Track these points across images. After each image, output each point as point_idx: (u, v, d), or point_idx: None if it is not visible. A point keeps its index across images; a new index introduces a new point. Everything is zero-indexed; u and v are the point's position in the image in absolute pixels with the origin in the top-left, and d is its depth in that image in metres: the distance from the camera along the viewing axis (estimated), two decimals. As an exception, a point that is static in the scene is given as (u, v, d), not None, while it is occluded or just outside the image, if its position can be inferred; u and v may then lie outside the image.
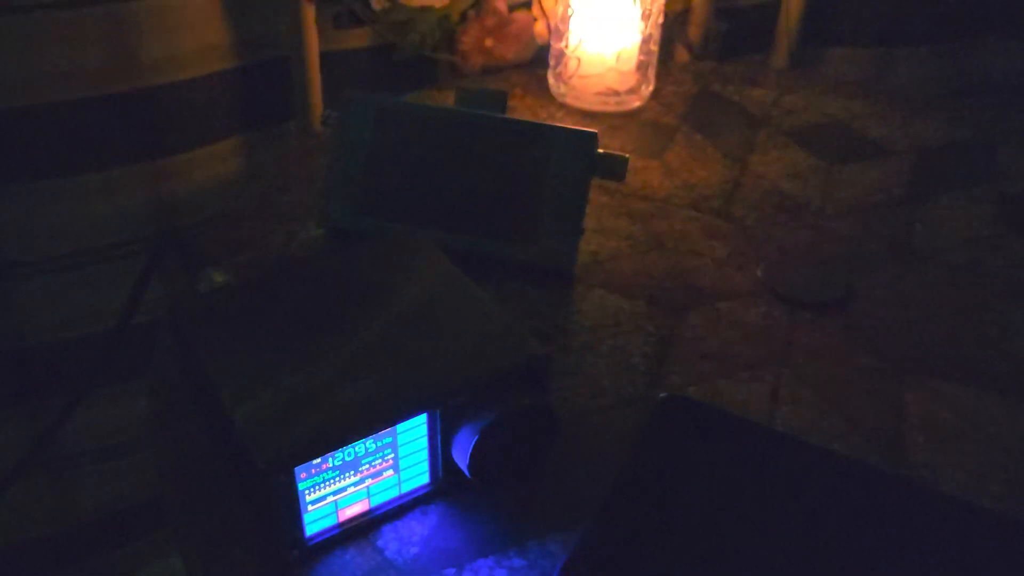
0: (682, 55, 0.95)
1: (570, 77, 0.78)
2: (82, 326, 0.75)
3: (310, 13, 0.75)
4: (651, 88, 0.80)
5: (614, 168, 0.57)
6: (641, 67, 0.78)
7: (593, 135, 0.57)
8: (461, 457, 0.40)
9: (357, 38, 0.80)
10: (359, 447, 0.38)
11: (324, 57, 0.78)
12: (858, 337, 0.53)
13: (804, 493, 0.42)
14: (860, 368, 0.51)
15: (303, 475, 0.37)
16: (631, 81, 0.79)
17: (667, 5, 0.89)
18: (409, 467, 0.40)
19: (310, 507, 0.38)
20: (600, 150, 0.57)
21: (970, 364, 0.52)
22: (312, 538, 0.39)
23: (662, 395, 0.45)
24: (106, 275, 0.75)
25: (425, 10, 0.78)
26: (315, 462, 0.37)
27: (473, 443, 0.39)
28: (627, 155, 0.57)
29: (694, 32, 0.94)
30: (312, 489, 0.38)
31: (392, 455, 0.39)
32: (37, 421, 0.77)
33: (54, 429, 0.70)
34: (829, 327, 0.54)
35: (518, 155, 0.57)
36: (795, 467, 0.43)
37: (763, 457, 0.43)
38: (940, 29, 1.05)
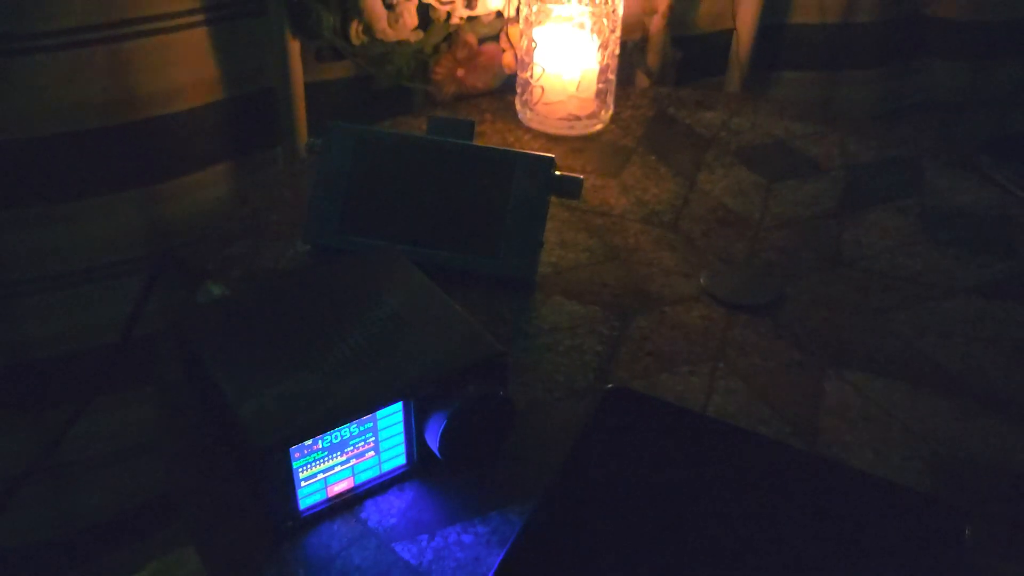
0: (642, 80, 1.03)
1: (535, 104, 0.85)
2: (84, 339, 0.81)
3: (295, 48, 0.81)
4: (610, 113, 0.87)
5: (569, 188, 0.64)
6: (600, 94, 0.85)
7: (551, 159, 0.63)
8: (432, 440, 0.46)
9: (338, 70, 0.86)
10: (345, 431, 0.44)
11: (308, 88, 0.84)
12: (786, 335, 0.60)
13: (731, 470, 0.48)
14: (786, 362, 0.58)
15: (297, 455, 0.43)
16: (591, 107, 0.86)
17: (625, 34, 0.96)
18: (388, 449, 0.47)
19: (303, 483, 0.44)
20: (557, 172, 0.64)
21: (883, 358, 0.59)
22: (305, 511, 0.45)
23: (607, 386, 0.51)
24: (107, 292, 0.81)
25: (401, 44, 0.85)
26: (307, 443, 0.43)
27: (442, 428, 0.45)
28: (581, 176, 0.64)
29: (652, 59, 1.02)
30: (304, 467, 0.44)
31: (373, 438, 0.46)
32: (42, 429, 0.83)
33: (60, 437, 0.76)
34: (761, 327, 0.61)
35: (484, 178, 0.63)
36: (723, 448, 0.49)
37: (695, 439, 0.50)
38: (885, 52, 1.13)
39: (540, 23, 0.83)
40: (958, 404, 0.55)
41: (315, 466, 0.44)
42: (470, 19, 0.88)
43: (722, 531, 0.44)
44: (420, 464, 0.48)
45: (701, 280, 0.65)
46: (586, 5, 0.84)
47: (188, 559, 0.95)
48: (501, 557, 0.42)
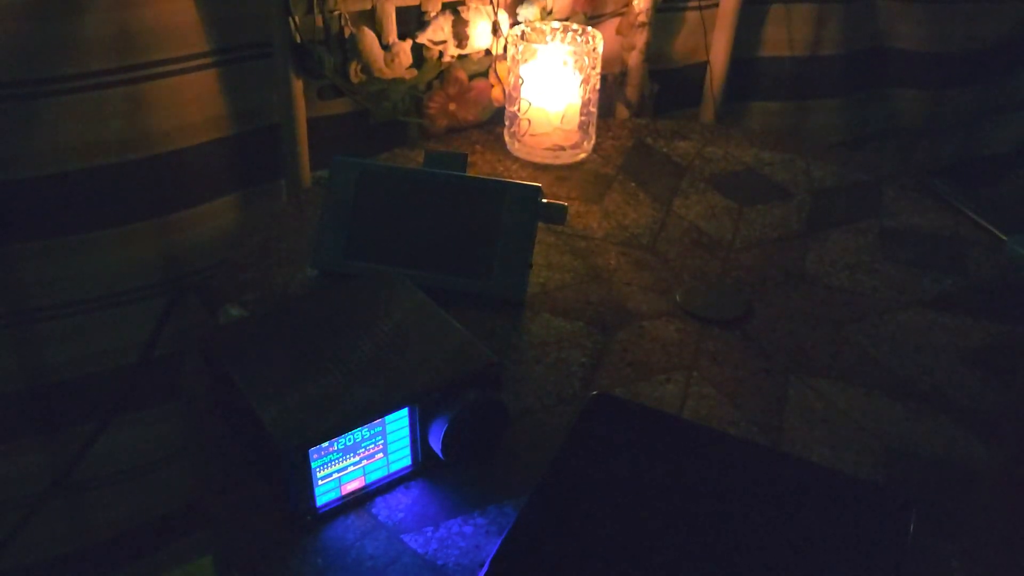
0: (622, 112, 1.09)
1: (522, 135, 0.92)
2: (103, 362, 0.86)
3: (298, 86, 0.87)
4: (592, 143, 0.94)
5: (555, 215, 0.70)
6: (582, 126, 0.92)
7: (538, 188, 0.69)
8: (435, 442, 0.52)
9: (339, 106, 0.92)
10: (357, 434, 0.50)
11: (310, 123, 0.90)
12: (753, 346, 0.66)
13: (703, 466, 0.54)
14: (753, 370, 0.64)
15: (315, 456, 0.48)
16: (574, 138, 0.92)
17: (605, 68, 1.03)
18: (396, 451, 0.52)
19: (320, 482, 0.50)
20: (544, 200, 0.70)
21: (841, 365, 0.65)
22: (322, 507, 0.50)
23: (592, 393, 0.57)
24: (123, 317, 0.86)
25: (397, 81, 0.91)
26: (323, 445, 0.49)
27: (444, 431, 0.51)
28: (566, 204, 0.70)
29: (631, 92, 1.08)
30: (321, 468, 0.49)
31: (382, 441, 0.51)
32: (63, 449, 0.87)
33: (81, 455, 0.80)
34: (731, 339, 0.67)
35: (476, 206, 0.69)
36: (697, 446, 0.55)
37: (671, 439, 0.55)
38: (849, 82, 1.20)
39: (526, 61, 0.89)
40: (908, 406, 0.61)
41: (330, 466, 0.50)
42: (461, 57, 0.95)
43: (695, 520, 0.50)
44: (424, 464, 0.53)
45: (676, 297, 0.71)
46: (569, 44, 0.91)
47: (203, 570, 0.99)
48: (498, 545, 0.47)
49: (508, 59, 0.90)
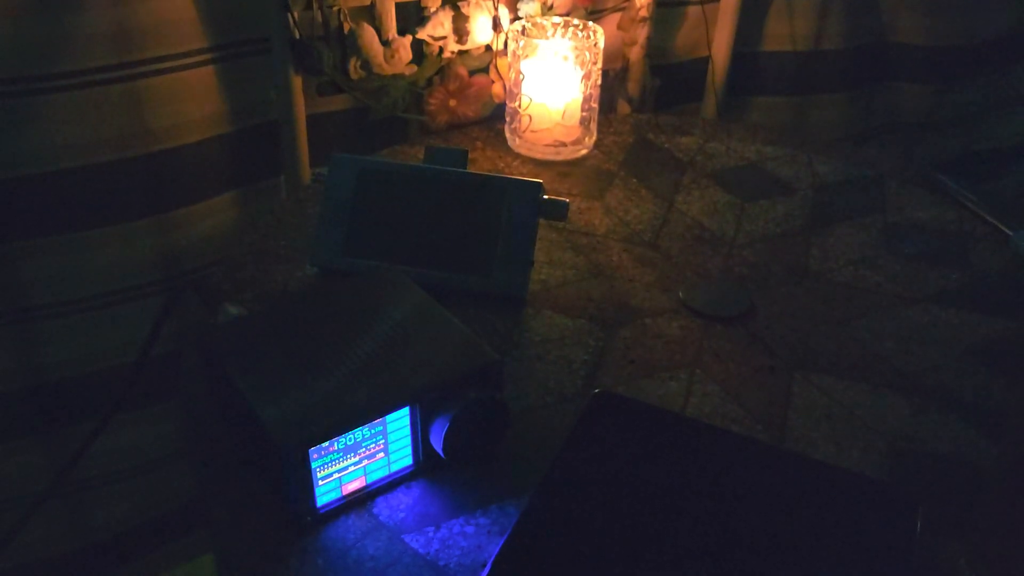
0: (623, 108, 1.09)
1: (523, 131, 0.91)
2: (102, 361, 0.86)
3: (297, 82, 0.86)
4: (593, 139, 0.93)
5: (556, 211, 0.69)
6: (584, 122, 0.91)
7: (538, 184, 0.69)
8: (436, 441, 0.51)
9: (338, 102, 0.92)
10: (357, 434, 0.49)
11: (309, 119, 0.89)
12: (757, 343, 0.66)
13: (706, 464, 0.53)
14: (757, 367, 0.63)
15: (315, 456, 0.48)
16: (576, 134, 0.91)
17: (606, 63, 1.02)
18: (397, 450, 0.51)
19: (320, 482, 0.49)
20: (545, 196, 0.69)
21: (845, 362, 0.64)
22: (322, 507, 0.50)
23: (594, 391, 0.57)
24: (122, 315, 0.85)
25: (397, 77, 0.91)
26: (324, 445, 0.48)
27: (445, 430, 0.50)
28: (567, 200, 0.69)
29: (632, 87, 1.08)
30: (322, 467, 0.49)
31: (383, 441, 0.51)
32: (62, 448, 0.87)
33: (80, 454, 0.79)
34: (734, 336, 0.66)
35: (477, 203, 0.69)
36: (700, 444, 0.54)
37: (674, 436, 0.55)
38: (852, 77, 1.19)
39: (527, 56, 0.89)
40: (913, 402, 0.61)
41: (331, 466, 0.49)
42: (461, 53, 0.94)
43: (699, 518, 0.49)
44: (425, 463, 0.53)
45: (679, 294, 0.71)
46: (569, 39, 0.90)
47: (203, 569, 0.99)
48: (500, 545, 0.47)
49: (509, 55, 0.90)
